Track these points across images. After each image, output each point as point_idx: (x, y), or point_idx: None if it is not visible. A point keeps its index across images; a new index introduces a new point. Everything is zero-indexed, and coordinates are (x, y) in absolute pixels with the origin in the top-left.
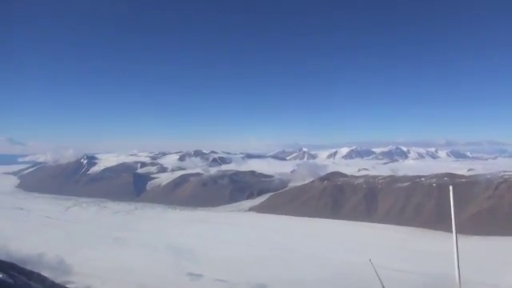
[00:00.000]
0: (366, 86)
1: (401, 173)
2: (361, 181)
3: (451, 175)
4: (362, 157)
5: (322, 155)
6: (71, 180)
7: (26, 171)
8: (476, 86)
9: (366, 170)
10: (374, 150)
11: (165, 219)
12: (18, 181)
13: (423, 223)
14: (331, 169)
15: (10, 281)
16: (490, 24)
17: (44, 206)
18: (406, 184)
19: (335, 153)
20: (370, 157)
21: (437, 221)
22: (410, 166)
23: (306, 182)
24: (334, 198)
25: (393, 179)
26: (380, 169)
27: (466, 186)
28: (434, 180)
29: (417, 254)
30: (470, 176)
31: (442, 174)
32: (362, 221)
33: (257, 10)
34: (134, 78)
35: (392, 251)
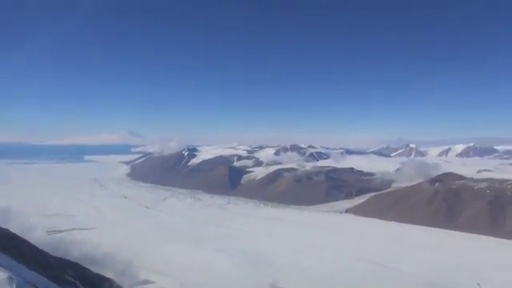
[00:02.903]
0: (485, 74)
1: None
2: (483, 185)
3: None
4: (482, 156)
5: (433, 152)
6: (173, 171)
7: (137, 161)
8: None
9: (489, 171)
10: (496, 147)
11: (255, 216)
12: (129, 169)
13: None
14: (444, 169)
15: None
16: None
17: (145, 195)
18: None
19: (448, 150)
20: (492, 156)
21: None
22: None
23: (414, 182)
24: (449, 204)
25: None
26: (507, 170)
27: None
28: None
29: None
30: None
31: None
32: (486, 234)
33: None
34: (239, 77)
35: None
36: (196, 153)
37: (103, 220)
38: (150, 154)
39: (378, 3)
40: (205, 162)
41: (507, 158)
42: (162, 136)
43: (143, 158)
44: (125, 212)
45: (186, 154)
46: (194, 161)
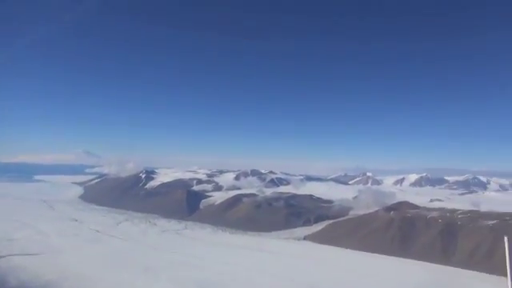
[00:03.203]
0: (438, 108)
1: (483, 207)
2: (435, 214)
3: None
4: (434, 185)
5: (388, 181)
6: (129, 193)
7: (91, 182)
8: None
9: (440, 200)
10: (447, 178)
11: (212, 243)
12: (82, 191)
13: None
14: (399, 197)
15: None
16: None
17: (98, 218)
18: (493, 222)
19: (402, 179)
20: (443, 186)
21: None
22: (492, 199)
23: (370, 210)
24: (403, 232)
25: (477, 215)
26: (456, 200)
27: None
28: None
29: None
30: None
31: None
32: (439, 263)
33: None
34: (200, 100)
35: None
36: (154, 175)
37: (48, 245)
38: (105, 175)
39: (335, 35)
40: (163, 185)
41: (456, 189)
42: (120, 157)
43: (98, 180)
44: (73, 236)
45: (144, 176)
46: (152, 183)
